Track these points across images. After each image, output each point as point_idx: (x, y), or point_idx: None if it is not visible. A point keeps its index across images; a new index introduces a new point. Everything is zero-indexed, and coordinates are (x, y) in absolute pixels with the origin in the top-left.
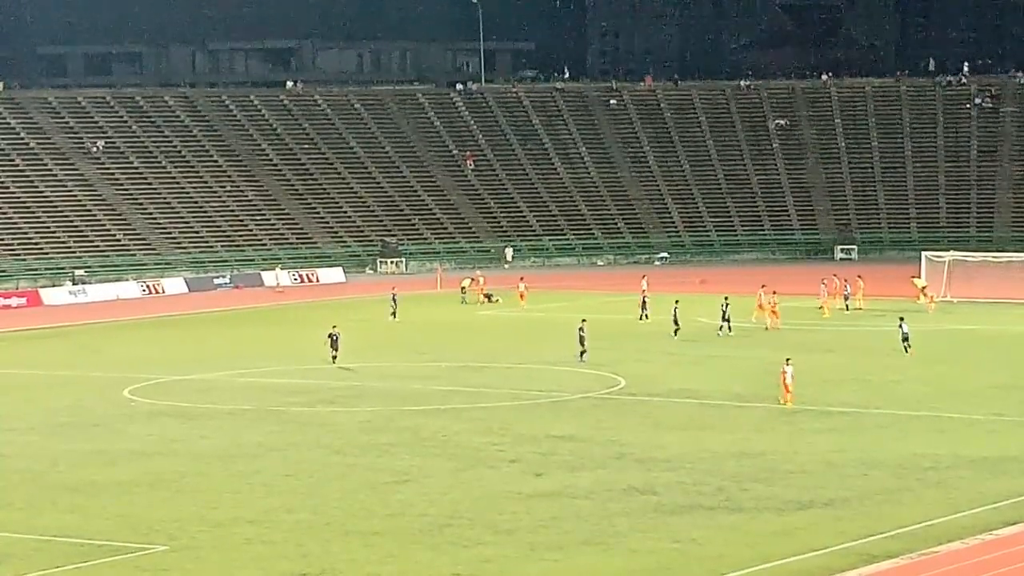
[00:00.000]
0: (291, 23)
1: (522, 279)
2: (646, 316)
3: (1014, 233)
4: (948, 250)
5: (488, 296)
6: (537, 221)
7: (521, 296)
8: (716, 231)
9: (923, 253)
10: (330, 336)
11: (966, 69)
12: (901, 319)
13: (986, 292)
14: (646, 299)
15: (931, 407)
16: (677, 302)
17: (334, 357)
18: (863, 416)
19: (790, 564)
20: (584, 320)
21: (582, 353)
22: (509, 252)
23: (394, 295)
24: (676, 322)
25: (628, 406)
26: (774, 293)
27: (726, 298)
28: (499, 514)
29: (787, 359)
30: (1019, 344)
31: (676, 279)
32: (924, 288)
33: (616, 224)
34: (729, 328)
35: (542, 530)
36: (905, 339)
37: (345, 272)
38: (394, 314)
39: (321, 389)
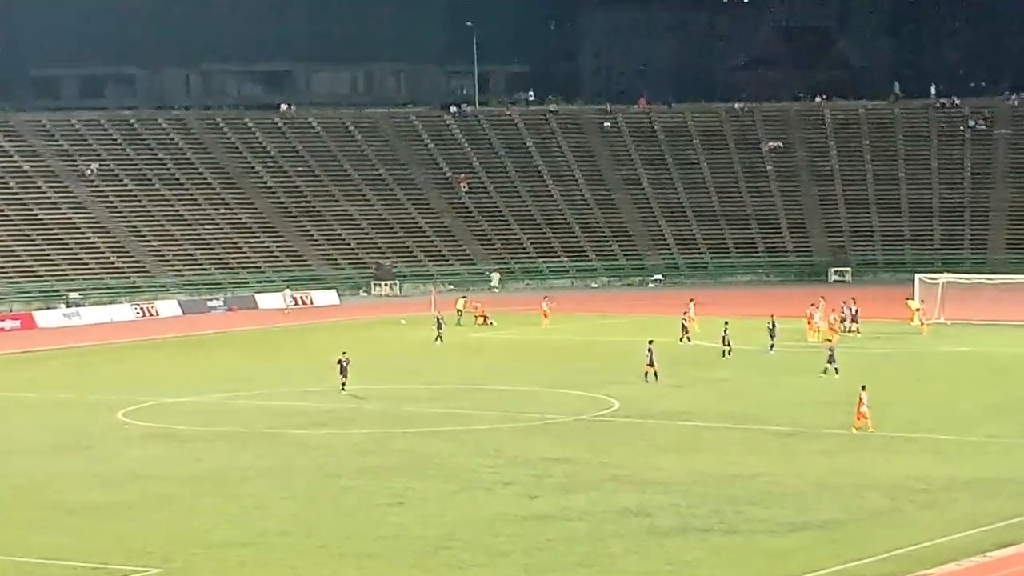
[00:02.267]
0: (285, 45)
1: (546, 298)
2: (687, 338)
3: (1008, 255)
4: (942, 272)
5: (485, 318)
6: (531, 243)
7: (545, 315)
8: (710, 253)
9: (917, 275)
10: (339, 363)
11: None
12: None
13: (980, 314)
14: (685, 323)
15: (925, 429)
16: (727, 323)
17: (343, 384)
18: (857, 438)
19: None
20: (651, 341)
21: (648, 374)
22: (496, 277)
23: (439, 318)
24: (726, 343)
25: (622, 428)
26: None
27: (726, 322)
28: (494, 536)
29: (863, 386)
30: (1013, 366)
31: (671, 301)
32: (918, 310)
33: (610, 246)
34: (729, 352)
35: (536, 552)
36: (830, 360)
37: (339, 294)
38: (439, 338)
39: (315, 411)
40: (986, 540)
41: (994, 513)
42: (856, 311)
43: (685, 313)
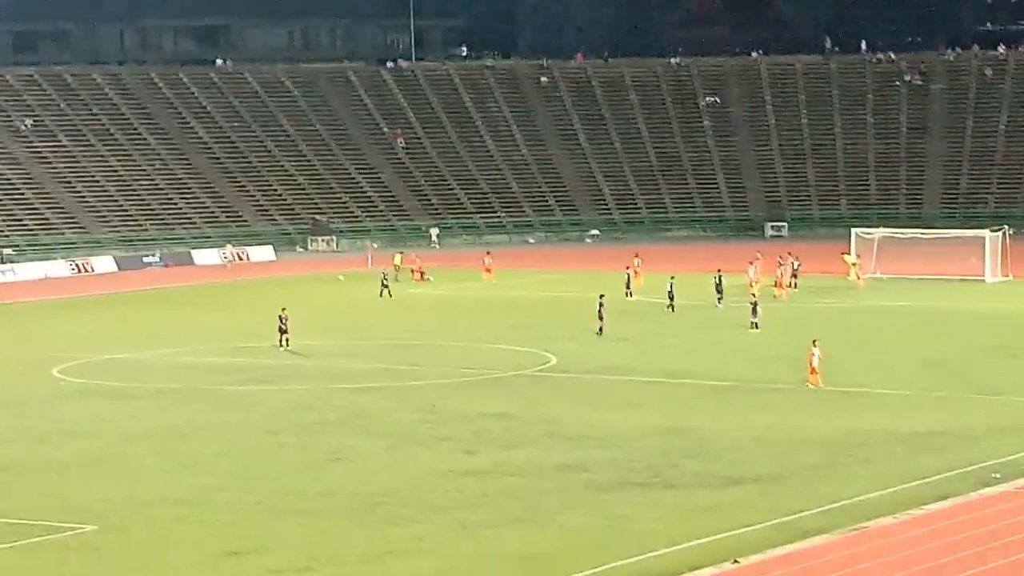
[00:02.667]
0: (221, 0)
1: (488, 253)
2: (630, 293)
3: (943, 209)
4: (878, 227)
5: (422, 274)
6: (468, 199)
7: (487, 270)
8: (647, 208)
9: (853, 230)
10: (280, 319)
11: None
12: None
13: (915, 269)
14: (630, 278)
15: (861, 383)
16: (673, 278)
17: (284, 341)
18: (793, 393)
19: (722, 540)
20: (602, 295)
21: (600, 329)
22: (435, 232)
23: (385, 273)
24: (671, 298)
25: (560, 383)
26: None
27: (672, 277)
28: (431, 492)
29: (814, 340)
30: (948, 320)
31: (609, 257)
32: (854, 264)
33: (547, 201)
34: (673, 307)
35: (474, 508)
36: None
37: (276, 250)
38: (387, 291)
39: (252, 368)
40: (922, 493)
41: (930, 467)
42: (798, 266)
43: (629, 268)
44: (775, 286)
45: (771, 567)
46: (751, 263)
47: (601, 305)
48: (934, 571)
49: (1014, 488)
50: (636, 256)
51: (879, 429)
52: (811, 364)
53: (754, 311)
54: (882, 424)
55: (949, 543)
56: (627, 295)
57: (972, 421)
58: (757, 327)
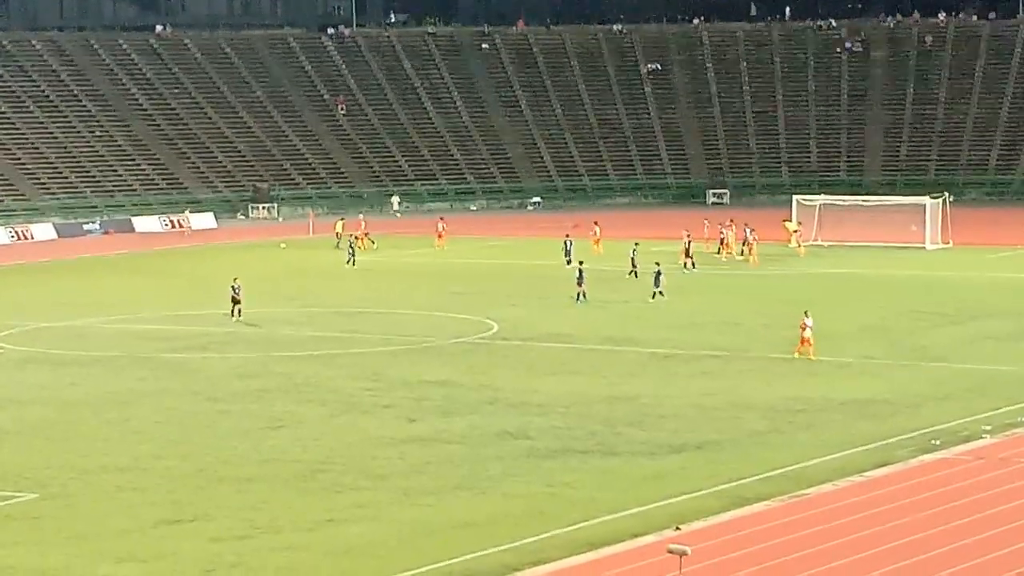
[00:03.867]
0: None
1: (441, 219)
2: (569, 261)
3: (883, 177)
4: (819, 194)
5: (366, 235)
6: (409, 166)
7: (439, 236)
8: (588, 176)
9: (794, 197)
10: (232, 288)
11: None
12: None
13: (856, 236)
14: (570, 244)
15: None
16: (637, 244)
17: (236, 311)
18: (734, 360)
19: (663, 507)
20: (582, 263)
21: (579, 295)
22: (396, 200)
23: (351, 240)
24: (634, 264)
25: (501, 351)
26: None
27: (636, 244)
28: (372, 459)
29: (805, 311)
30: (888, 287)
31: (550, 224)
32: (795, 232)
33: (489, 169)
34: (636, 274)
35: (415, 475)
36: (656, 284)
37: (216, 217)
38: (352, 261)
39: (193, 335)
40: (863, 460)
41: (870, 433)
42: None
43: (569, 235)
44: (719, 252)
45: (712, 534)
46: (725, 226)
47: (581, 272)
48: (873, 537)
49: (953, 455)
50: (595, 223)
51: (820, 396)
52: (803, 335)
53: (657, 280)
54: (823, 391)
55: (888, 510)
56: (567, 262)
57: (913, 388)
58: (663, 295)
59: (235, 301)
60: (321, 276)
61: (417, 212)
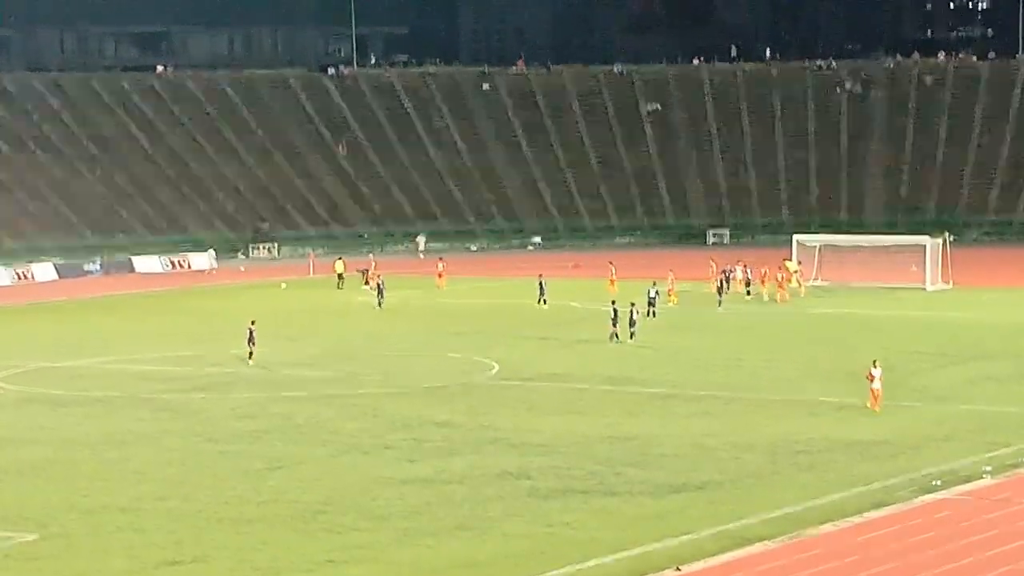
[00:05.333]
0: (161, 6)
1: (441, 259)
2: (544, 301)
3: (884, 217)
4: (819, 233)
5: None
6: (410, 206)
7: (439, 276)
8: (589, 216)
9: (794, 237)
10: (249, 331)
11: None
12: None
13: (856, 276)
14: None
15: (803, 390)
16: (655, 284)
17: (251, 354)
18: (735, 399)
19: (663, 548)
20: (614, 302)
21: (613, 335)
22: (422, 240)
23: (379, 283)
24: (652, 304)
25: (501, 391)
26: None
27: (654, 283)
28: (372, 500)
29: (874, 361)
30: (888, 327)
31: (551, 263)
32: (796, 272)
33: (489, 208)
34: (654, 314)
35: (415, 516)
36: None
37: (217, 258)
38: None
39: (193, 376)
40: (864, 501)
41: (871, 474)
42: (749, 272)
43: (542, 275)
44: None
45: (713, 575)
46: (735, 267)
47: (616, 312)
48: None
49: (954, 495)
50: (611, 263)
51: (820, 436)
52: (871, 386)
53: (614, 320)
54: (824, 432)
55: (889, 551)
56: (540, 302)
57: (913, 429)
58: (632, 337)
59: (251, 343)
60: (321, 317)
61: (414, 253)
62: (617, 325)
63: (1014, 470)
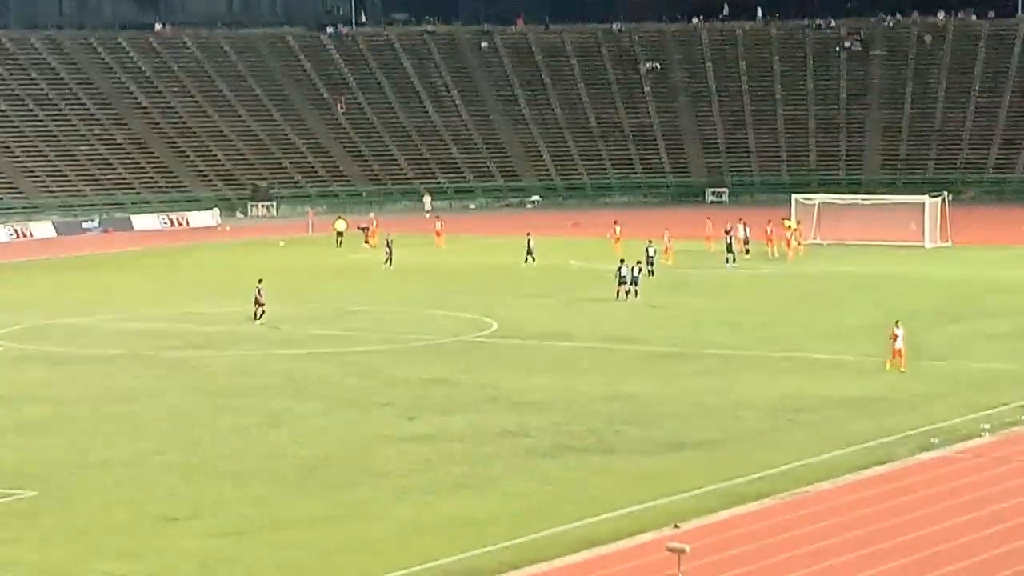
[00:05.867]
0: None
1: (438, 218)
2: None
3: (882, 176)
4: (818, 193)
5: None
6: (408, 165)
7: (438, 234)
8: (588, 174)
9: (793, 196)
10: (257, 290)
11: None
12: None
13: (855, 234)
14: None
15: (801, 349)
16: (651, 242)
17: (257, 313)
18: (734, 358)
19: (662, 505)
20: (622, 261)
21: (620, 293)
22: (428, 200)
23: (388, 241)
24: (651, 263)
25: (500, 349)
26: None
27: (650, 241)
28: (371, 457)
29: (896, 322)
30: (887, 286)
31: (549, 222)
32: (795, 230)
33: (488, 167)
34: (652, 272)
35: (414, 473)
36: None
37: (216, 215)
38: (389, 260)
39: (192, 333)
40: (862, 458)
41: (869, 431)
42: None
43: (531, 234)
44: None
45: (711, 532)
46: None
47: (632, 269)
48: (872, 536)
49: (952, 453)
50: (615, 223)
51: (818, 394)
52: (894, 346)
53: (635, 280)
54: (822, 390)
55: (887, 508)
56: (527, 260)
57: (912, 386)
58: (637, 295)
59: (258, 303)
60: (320, 274)
61: (417, 210)
62: (627, 284)
63: (1012, 427)
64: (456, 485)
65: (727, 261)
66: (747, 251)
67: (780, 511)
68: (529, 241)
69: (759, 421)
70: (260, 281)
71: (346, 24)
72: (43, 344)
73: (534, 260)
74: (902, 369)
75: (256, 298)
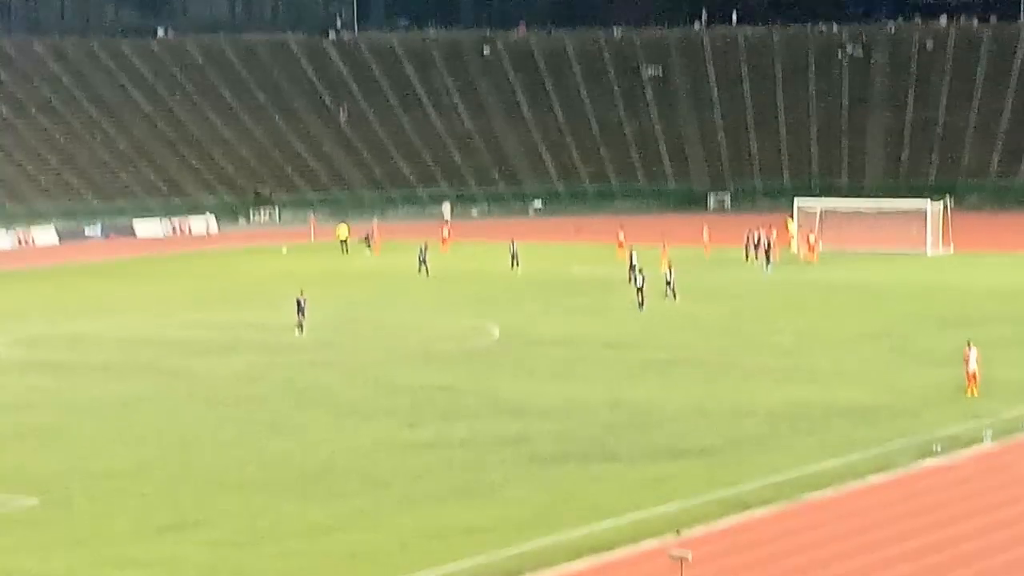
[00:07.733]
0: None
1: (447, 223)
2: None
3: (885, 181)
4: (820, 198)
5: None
6: (411, 171)
7: (443, 241)
8: (590, 180)
9: (795, 201)
10: (297, 301)
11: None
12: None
13: (857, 241)
14: (515, 252)
15: (803, 356)
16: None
17: (300, 325)
18: (735, 365)
19: (663, 512)
20: (641, 268)
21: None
22: (447, 207)
23: (423, 247)
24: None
25: (502, 355)
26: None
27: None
28: (374, 465)
29: (968, 342)
30: (888, 293)
31: (553, 228)
32: (795, 236)
33: (490, 173)
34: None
35: (417, 481)
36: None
37: (218, 222)
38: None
39: (195, 341)
40: (863, 465)
41: (870, 438)
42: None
43: (514, 239)
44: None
45: (713, 539)
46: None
47: (640, 271)
48: (874, 543)
49: (954, 460)
50: (620, 228)
51: (820, 401)
52: (967, 370)
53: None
54: (823, 396)
55: (889, 515)
56: (513, 267)
57: (913, 393)
58: (675, 297)
59: (300, 311)
60: (322, 281)
61: (420, 216)
62: (644, 287)
63: (1014, 435)
64: (458, 492)
65: (766, 267)
66: (768, 257)
67: (782, 518)
68: (513, 246)
69: (761, 428)
70: (302, 292)
71: (348, 30)
72: (45, 352)
73: (519, 265)
74: (976, 395)
75: (300, 307)
